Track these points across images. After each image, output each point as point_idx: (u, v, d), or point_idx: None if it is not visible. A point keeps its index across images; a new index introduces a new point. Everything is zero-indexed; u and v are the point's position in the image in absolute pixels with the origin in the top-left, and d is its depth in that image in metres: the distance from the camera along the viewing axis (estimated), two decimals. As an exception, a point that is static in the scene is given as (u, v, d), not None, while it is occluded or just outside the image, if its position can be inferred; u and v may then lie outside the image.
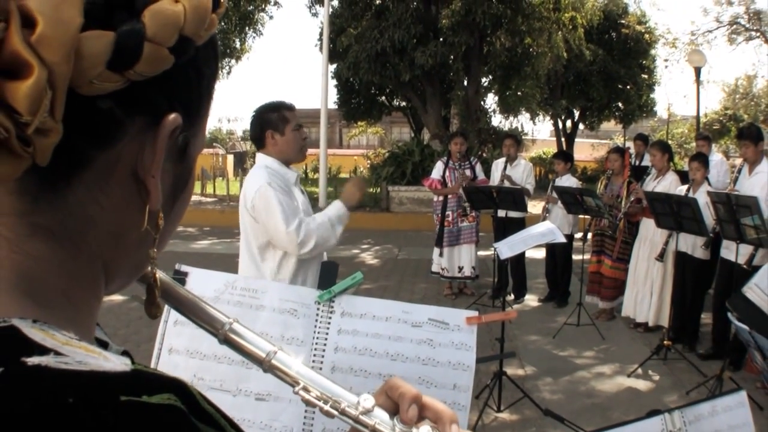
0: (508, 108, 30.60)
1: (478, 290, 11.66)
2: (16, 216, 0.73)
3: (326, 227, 4.67)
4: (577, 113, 39.66)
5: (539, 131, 53.49)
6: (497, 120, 32.55)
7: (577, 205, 10.02)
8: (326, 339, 2.43)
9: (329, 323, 2.48)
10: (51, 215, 0.74)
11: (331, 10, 26.89)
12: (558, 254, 11.15)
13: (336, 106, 33.12)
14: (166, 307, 1.33)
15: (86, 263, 0.78)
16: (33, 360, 0.64)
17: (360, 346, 2.44)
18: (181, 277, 2.45)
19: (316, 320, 2.47)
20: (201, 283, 2.48)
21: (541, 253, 11.92)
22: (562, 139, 39.02)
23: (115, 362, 0.69)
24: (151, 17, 0.69)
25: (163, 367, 2.27)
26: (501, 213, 11.05)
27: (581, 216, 10.87)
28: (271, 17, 33.00)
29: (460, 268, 11.52)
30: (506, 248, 7.56)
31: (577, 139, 41.90)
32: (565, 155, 11.74)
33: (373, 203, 23.94)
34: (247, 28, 32.38)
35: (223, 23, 31.41)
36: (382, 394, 1.06)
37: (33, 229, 0.74)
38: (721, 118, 42.52)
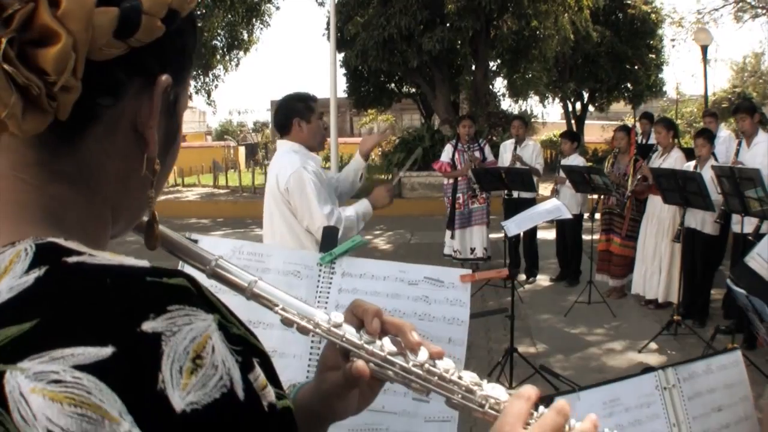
0: (516, 91, 30.63)
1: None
2: (39, 165, 0.88)
3: (353, 220, 4.92)
4: (586, 95, 39.56)
5: (548, 114, 53.36)
6: (507, 103, 32.58)
7: (584, 183, 10.11)
8: (327, 298, 2.54)
9: (330, 283, 2.60)
10: (68, 164, 0.90)
11: (336, -1, 27.00)
12: (568, 234, 11.25)
13: (345, 95, 33.13)
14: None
15: (98, 203, 0.94)
16: (72, 259, 0.81)
17: None
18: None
19: (318, 281, 2.59)
20: (209, 249, 2.53)
21: (552, 234, 12.04)
22: (572, 122, 38.93)
23: (137, 261, 0.85)
24: None
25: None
26: (513, 194, 11.15)
27: (590, 196, 10.96)
28: (277, 8, 33.07)
29: (472, 250, 11.64)
30: (514, 225, 7.67)
31: (587, 121, 41.83)
32: (572, 135, 11.83)
33: (380, 188, 24.01)
34: (254, 19, 32.40)
35: (230, 15, 31.54)
36: (348, 313, 1.22)
37: (53, 176, 0.89)
38: (729, 96, 42.26)
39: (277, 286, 1.24)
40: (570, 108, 40.05)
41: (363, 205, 5.07)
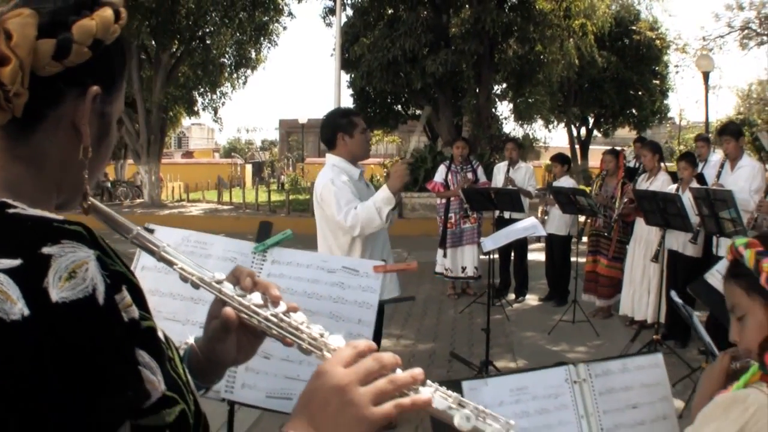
0: (521, 115, 30.76)
1: (480, 290, 11.83)
2: (2, 150, 1.27)
3: (371, 211, 5.36)
4: (591, 120, 39.72)
5: (552, 139, 53.35)
6: (510, 127, 32.71)
7: (571, 204, 10.26)
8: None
9: (261, 269, 3.10)
10: (24, 150, 1.27)
11: (345, 20, 27.25)
12: (556, 255, 11.42)
13: (354, 116, 33.20)
14: (135, 256, 2.76)
15: (45, 180, 1.30)
16: (11, 210, 1.17)
17: (284, 286, 2.96)
18: (148, 233, 2.92)
19: (251, 266, 3.04)
20: (164, 237, 2.83)
21: (543, 255, 12.18)
22: (576, 146, 39.12)
23: (54, 215, 1.19)
24: (76, 29, 1.22)
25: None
26: (505, 215, 11.30)
27: (581, 218, 11.12)
28: (285, 28, 33.22)
29: (463, 269, 11.82)
30: (490, 242, 7.89)
31: (591, 146, 42.00)
32: (562, 158, 11.96)
33: (386, 209, 24.18)
34: (262, 38, 32.61)
35: (238, 34, 31.75)
36: (230, 275, 1.56)
37: (14, 159, 1.27)
38: (722, 122, 42.43)
39: (202, 265, 1.58)
40: (575, 133, 40.17)
41: (380, 193, 5.43)
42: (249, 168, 60.54)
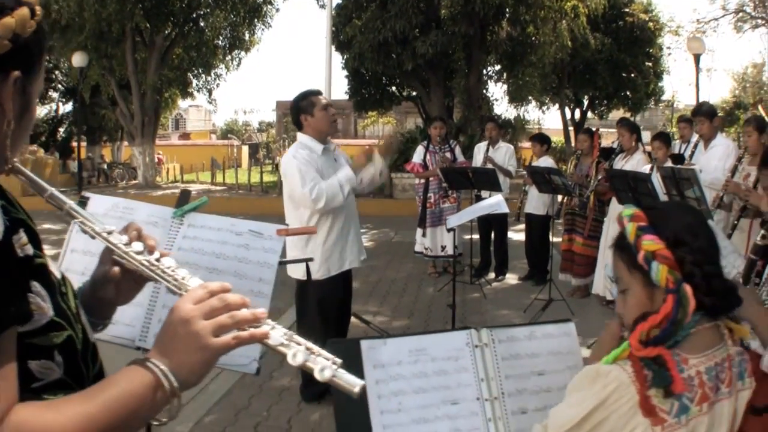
0: (514, 96, 30.73)
1: (460, 269, 11.90)
2: None
3: (334, 187, 5.89)
4: (586, 102, 39.69)
5: (544, 120, 53.32)
6: (503, 108, 32.77)
7: (546, 184, 10.30)
8: (174, 241, 3.35)
9: (178, 231, 3.40)
10: None
11: (337, 2, 27.22)
12: (535, 234, 11.49)
13: (347, 97, 33.24)
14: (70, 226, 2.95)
15: None
16: None
17: (196, 247, 3.35)
18: (83, 200, 3.40)
19: (170, 229, 3.39)
20: (97, 204, 3.42)
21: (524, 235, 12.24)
22: (570, 128, 39.09)
23: None
24: None
25: (66, 264, 3.19)
26: (484, 194, 11.34)
27: (560, 198, 11.16)
28: (277, 10, 33.19)
29: (443, 247, 11.86)
30: (455, 218, 8.01)
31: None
32: (541, 138, 12.00)
33: (377, 190, 24.29)
34: (255, 20, 32.58)
35: (232, 15, 31.71)
36: (123, 231, 1.79)
37: None
38: (724, 106, 42.43)
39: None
40: (569, 115, 40.13)
41: (343, 172, 5.98)
42: (245, 149, 60.61)
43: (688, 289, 1.91)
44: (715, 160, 8.56)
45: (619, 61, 34.25)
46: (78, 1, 25.89)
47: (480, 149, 12.19)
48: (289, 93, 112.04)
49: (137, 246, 1.74)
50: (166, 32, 30.89)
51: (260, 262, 3.39)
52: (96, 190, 30.86)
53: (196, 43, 31.89)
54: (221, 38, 33.16)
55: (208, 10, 30.88)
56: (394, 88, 31.95)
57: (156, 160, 38.60)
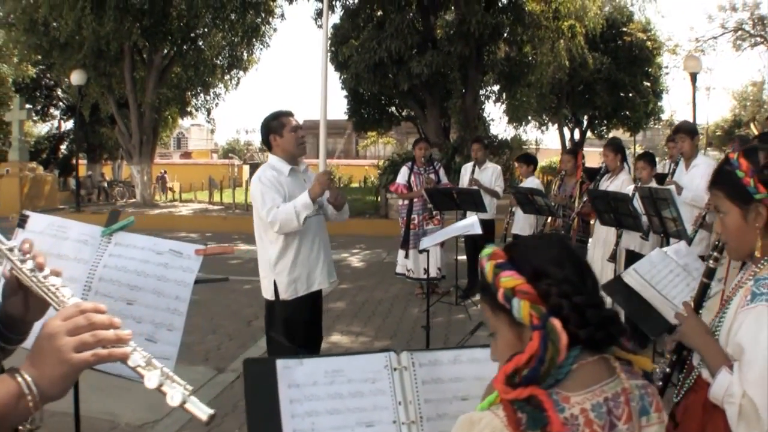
0: (513, 116, 30.73)
1: (447, 290, 11.84)
2: None
3: (289, 213, 5.82)
4: (585, 122, 39.72)
5: (543, 141, 53.30)
6: (501, 128, 32.89)
7: (530, 204, 10.28)
8: (101, 258, 3.53)
9: (105, 249, 3.57)
10: None
11: (334, 22, 27.30)
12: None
13: (345, 117, 33.27)
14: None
15: None
16: None
17: (120, 265, 3.53)
18: (24, 218, 3.55)
19: (99, 247, 3.57)
20: (36, 222, 3.58)
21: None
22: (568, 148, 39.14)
23: None
24: None
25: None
26: (470, 215, 11.29)
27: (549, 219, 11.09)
28: (275, 30, 33.23)
29: (425, 270, 11.80)
30: (428, 240, 7.97)
31: (586, 148, 41.97)
32: (527, 158, 11.97)
33: (373, 210, 24.30)
34: (254, 40, 32.65)
35: (230, 35, 31.83)
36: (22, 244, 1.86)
37: None
38: (723, 125, 42.44)
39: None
40: (569, 134, 40.17)
41: (301, 198, 5.85)
42: (246, 169, 60.71)
43: (556, 323, 1.77)
44: (697, 179, 8.42)
45: (617, 81, 34.26)
46: (76, 20, 25.88)
47: (467, 170, 12.14)
48: (294, 113, 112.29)
49: (29, 264, 1.81)
50: (165, 51, 30.98)
51: (178, 281, 3.54)
52: (94, 208, 30.99)
53: (194, 63, 31.96)
54: (220, 58, 33.22)
55: (206, 30, 30.98)
56: (393, 108, 31.99)
57: (159, 177, 38.81)
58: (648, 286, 3.94)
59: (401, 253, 11.99)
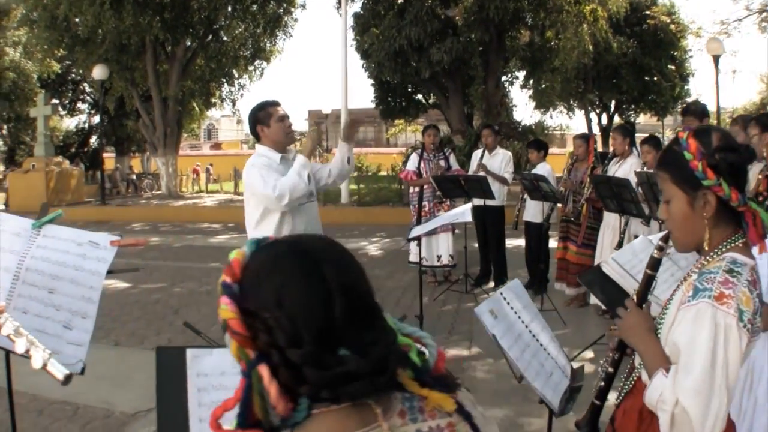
0: (540, 102, 30.51)
1: (460, 277, 11.74)
2: None
3: (293, 177, 5.77)
4: (612, 106, 39.42)
5: (572, 125, 52.95)
6: (525, 114, 32.70)
7: (536, 191, 10.15)
8: (30, 248, 3.76)
9: (35, 240, 3.80)
10: None
11: (356, 10, 27.23)
12: (533, 243, 11.26)
13: (373, 105, 33.22)
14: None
15: None
16: None
17: (44, 255, 3.76)
18: None
19: (29, 239, 3.79)
20: None
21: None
22: (597, 133, 38.83)
23: None
24: None
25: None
26: (479, 202, 11.19)
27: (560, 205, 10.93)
28: (296, 20, 33.20)
29: (439, 257, 11.72)
30: (419, 228, 7.87)
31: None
32: (538, 144, 11.76)
33: (397, 198, 24.22)
34: (277, 30, 32.67)
35: (252, 26, 31.85)
36: None
37: None
38: (750, 108, 41.84)
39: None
40: (596, 119, 39.86)
41: (297, 160, 5.88)
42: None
43: (263, 373, 1.47)
44: None
45: (643, 65, 33.97)
46: (95, 15, 26.03)
47: (476, 156, 12.01)
48: (321, 102, 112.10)
49: None
50: (187, 44, 31.07)
51: (92, 271, 3.78)
52: (120, 200, 31.17)
53: (217, 54, 32.04)
54: (242, 49, 33.23)
55: (227, 21, 31.01)
56: (420, 96, 31.88)
57: (196, 170, 38.94)
58: (627, 275, 3.77)
59: (413, 241, 11.87)
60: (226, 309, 1.49)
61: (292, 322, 1.47)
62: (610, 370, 2.90)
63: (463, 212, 7.76)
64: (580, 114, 41.90)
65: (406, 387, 1.57)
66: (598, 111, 40.18)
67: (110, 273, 3.82)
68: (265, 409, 1.48)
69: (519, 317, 3.72)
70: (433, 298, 10.93)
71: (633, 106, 38.21)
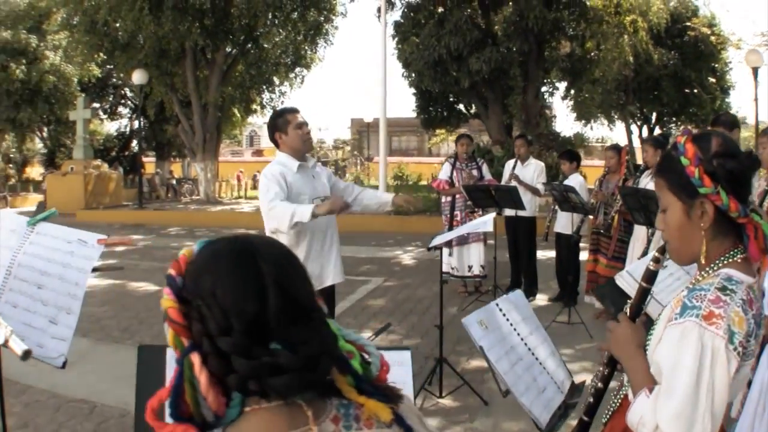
0: (581, 114, 30.34)
1: (485, 288, 11.74)
2: None
3: (286, 212, 5.75)
4: (653, 118, 39.10)
5: (612, 137, 52.69)
6: (566, 125, 32.57)
7: (566, 202, 10.07)
8: (24, 244, 3.91)
9: (29, 236, 3.95)
10: None
11: (395, 19, 27.28)
12: (563, 254, 11.17)
13: (415, 114, 33.19)
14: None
15: None
16: None
17: (36, 252, 3.91)
18: None
19: (23, 236, 3.94)
20: None
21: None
22: (635, 145, 38.57)
23: None
24: None
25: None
26: (510, 213, 11.15)
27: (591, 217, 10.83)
28: (336, 27, 33.25)
29: (470, 267, 11.65)
30: (439, 238, 7.83)
31: (656, 146, 41.47)
32: (570, 155, 11.66)
33: (435, 208, 24.18)
34: (317, 38, 32.77)
35: (292, 34, 31.99)
36: None
37: None
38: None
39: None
40: (637, 131, 39.60)
41: (304, 207, 5.78)
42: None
43: (194, 360, 1.47)
44: None
45: (684, 77, 33.66)
46: (134, 20, 26.26)
47: (509, 166, 11.95)
48: (363, 110, 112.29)
49: None
50: (227, 50, 31.23)
51: (79, 268, 3.90)
52: (157, 204, 31.44)
53: (257, 61, 32.16)
54: (283, 56, 33.34)
55: (266, 29, 31.16)
56: (461, 105, 31.78)
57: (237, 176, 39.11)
58: (641, 289, 3.70)
59: (445, 251, 11.75)
60: (166, 299, 1.52)
61: (223, 311, 1.48)
62: (600, 385, 2.71)
63: (484, 222, 7.68)
64: (621, 126, 41.67)
65: (344, 393, 1.57)
66: (639, 123, 39.86)
67: (94, 270, 3.99)
68: (195, 400, 1.48)
69: (515, 329, 3.64)
70: (461, 309, 10.86)
71: (674, 119, 37.84)
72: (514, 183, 11.21)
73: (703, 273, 2.33)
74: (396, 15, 28.02)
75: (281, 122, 6.20)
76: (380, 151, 25.14)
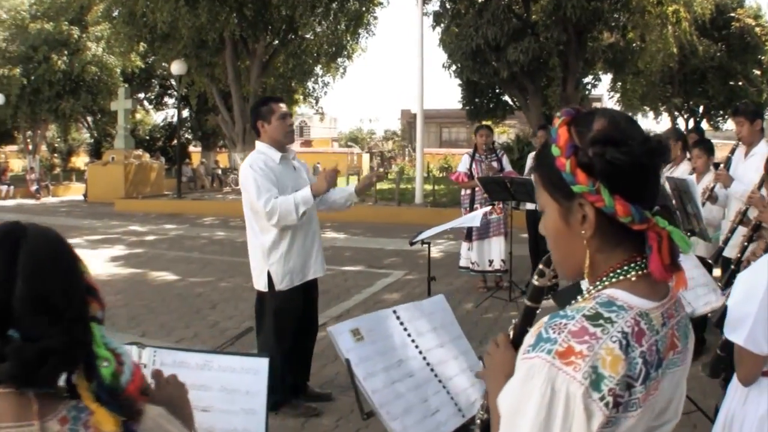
0: (622, 105, 29.92)
1: (507, 284, 11.44)
2: None
3: (289, 205, 5.79)
4: (700, 111, 38.49)
5: (657, 130, 51.91)
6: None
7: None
8: None
9: None
10: None
11: (434, 8, 27.06)
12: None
13: (461, 106, 32.94)
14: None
15: None
16: None
17: None
18: None
19: None
20: None
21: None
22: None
23: None
24: None
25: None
26: (531, 207, 10.94)
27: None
28: (375, 18, 33.04)
29: (490, 262, 11.38)
30: (426, 233, 7.73)
31: (704, 139, 40.80)
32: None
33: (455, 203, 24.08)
34: (359, 29, 32.63)
35: (333, 24, 31.86)
36: None
37: None
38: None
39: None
40: (684, 125, 38.98)
41: (303, 192, 5.88)
42: (366, 158, 61.04)
43: None
44: (751, 172, 7.37)
45: (730, 69, 33.02)
46: (171, 11, 26.33)
47: (530, 158, 11.69)
48: (410, 102, 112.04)
49: None
50: (267, 41, 31.20)
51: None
52: (196, 195, 31.57)
53: (297, 52, 32.09)
54: (324, 46, 33.25)
55: (308, 19, 31.09)
56: (507, 97, 31.47)
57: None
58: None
59: (464, 245, 11.54)
60: None
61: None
62: (485, 416, 2.10)
63: (473, 218, 7.54)
64: (667, 119, 41.07)
65: (82, 398, 1.57)
66: (685, 116, 39.23)
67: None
68: None
69: (413, 341, 3.24)
70: (477, 305, 10.62)
71: (720, 112, 37.19)
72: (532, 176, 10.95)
73: (585, 294, 1.74)
74: (435, 4, 27.78)
75: (265, 110, 6.12)
76: (417, 142, 25.03)
